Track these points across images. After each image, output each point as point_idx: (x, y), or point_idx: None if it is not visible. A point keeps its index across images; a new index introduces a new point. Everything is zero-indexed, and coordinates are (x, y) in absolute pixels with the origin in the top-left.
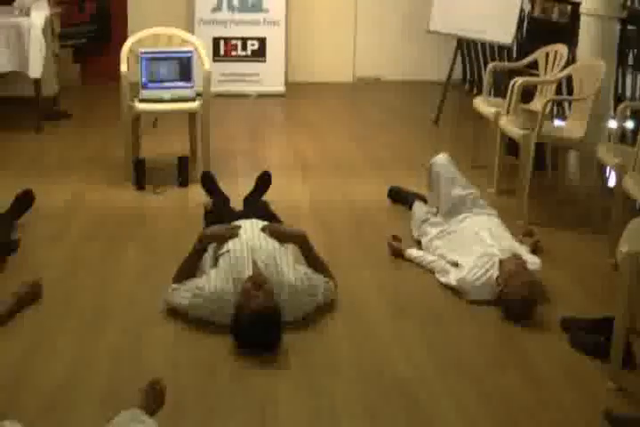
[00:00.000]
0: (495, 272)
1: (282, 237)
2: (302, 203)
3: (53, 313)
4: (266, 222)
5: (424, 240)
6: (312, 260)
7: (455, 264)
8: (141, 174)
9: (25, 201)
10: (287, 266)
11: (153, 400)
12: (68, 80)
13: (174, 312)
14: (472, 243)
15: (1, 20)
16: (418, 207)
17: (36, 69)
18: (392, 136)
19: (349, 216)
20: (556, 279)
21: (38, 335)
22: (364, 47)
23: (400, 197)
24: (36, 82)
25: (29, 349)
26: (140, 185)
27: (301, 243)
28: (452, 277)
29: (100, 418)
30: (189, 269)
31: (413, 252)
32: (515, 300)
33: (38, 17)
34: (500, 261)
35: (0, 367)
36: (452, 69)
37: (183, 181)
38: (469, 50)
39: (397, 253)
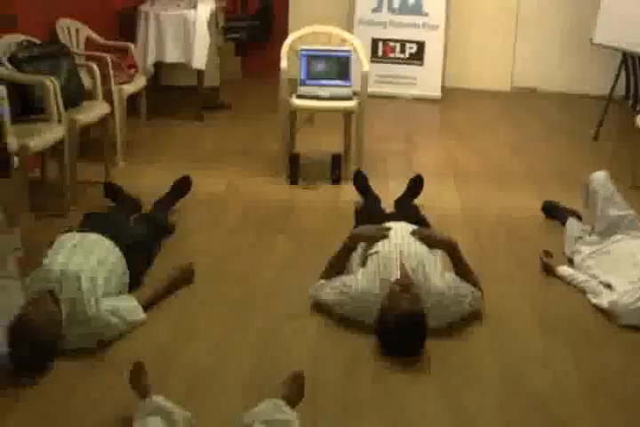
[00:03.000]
0: None
1: (432, 242)
2: (453, 210)
3: (202, 298)
4: (416, 226)
5: (577, 259)
6: (461, 268)
7: (608, 286)
8: (295, 169)
9: (183, 187)
10: (435, 272)
11: (295, 393)
12: (229, 73)
13: (319, 307)
14: (627, 265)
15: (169, 13)
16: (572, 224)
17: (199, 61)
18: (548, 148)
19: (500, 227)
20: None
21: (187, 319)
22: (523, 56)
23: (554, 213)
24: (199, 73)
25: (178, 331)
26: (293, 180)
27: (451, 250)
28: (604, 300)
29: (240, 405)
30: (338, 266)
31: (565, 269)
32: None
33: (204, 10)
34: None
35: (150, 346)
36: (615, 84)
37: (335, 179)
38: (635, 65)
39: (548, 270)
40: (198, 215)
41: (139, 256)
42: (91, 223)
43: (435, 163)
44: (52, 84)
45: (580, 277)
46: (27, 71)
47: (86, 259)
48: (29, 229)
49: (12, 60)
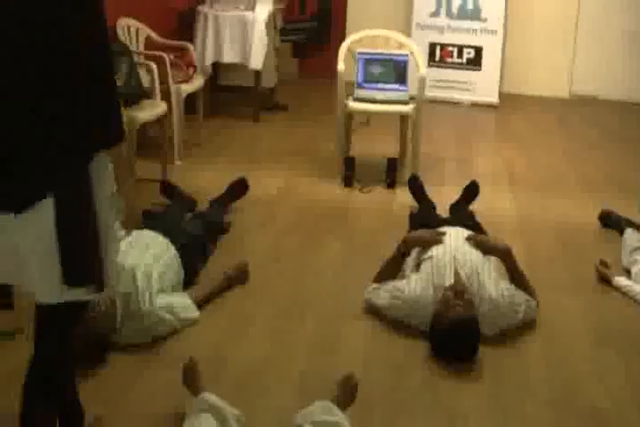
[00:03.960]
0: None
1: (487, 248)
2: (508, 216)
3: (255, 297)
4: (471, 232)
5: (634, 270)
6: (515, 276)
7: None
8: (350, 172)
9: (238, 189)
10: (489, 279)
11: (347, 395)
12: (286, 74)
13: (372, 310)
14: None
15: (228, 14)
16: (629, 235)
17: (257, 62)
18: (607, 157)
19: (556, 235)
20: None
21: (240, 318)
22: (582, 63)
23: (611, 222)
24: (257, 73)
25: (230, 329)
26: (347, 182)
27: (506, 257)
28: None
29: (291, 405)
30: (391, 270)
31: (622, 280)
32: None
33: (262, 12)
34: None
35: (203, 343)
36: None
37: (390, 183)
38: None
39: (605, 280)
40: (253, 215)
41: (193, 254)
42: (147, 221)
43: (490, 169)
44: None
45: (636, 288)
46: None
47: (142, 255)
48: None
49: None
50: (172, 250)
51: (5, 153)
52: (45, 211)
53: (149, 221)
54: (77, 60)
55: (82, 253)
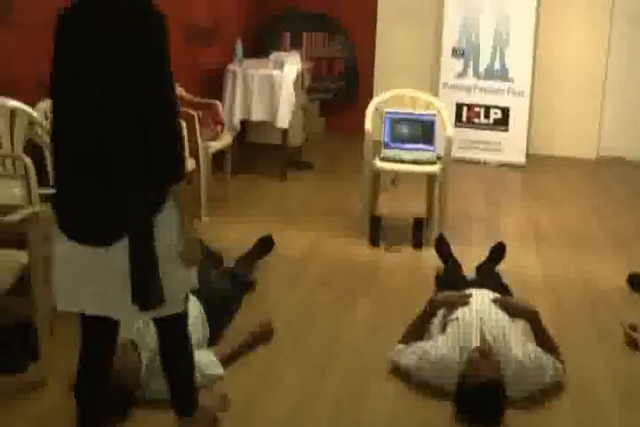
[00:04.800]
0: None
1: (514, 310)
2: (535, 276)
3: (283, 353)
4: (497, 294)
5: None
6: (542, 338)
7: None
8: (377, 231)
9: (265, 246)
10: (516, 341)
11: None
12: (313, 132)
13: (398, 371)
14: None
15: (257, 72)
16: None
17: (284, 120)
18: (636, 214)
19: (584, 295)
20: None
21: (266, 373)
22: (609, 123)
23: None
24: (284, 132)
25: (257, 385)
26: (374, 241)
27: (532, 319)
28: None
29: None
30: (417, 331)
31: None
32: None
33: (291, 71)
34: None
35: (231, 397)
36: None
37: (417, 243)
38: None
39: (633, 344)
40: (279, 273)
41: (219, 311)
42: None
43: (518, 228)
44: None
45: None
46: None
47: None
48: None
49: None
50: (198, 306)
51: (100, 197)
52: (123, 246)
53: None
54: (150, 111)
55: (144, 281)
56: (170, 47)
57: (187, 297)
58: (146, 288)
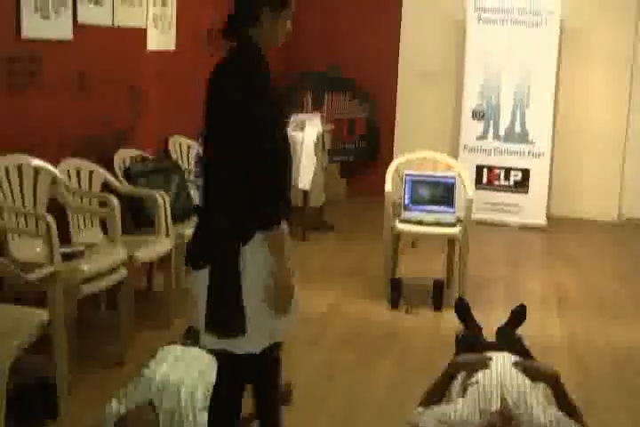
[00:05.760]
0: None
1: (535, 374)
2: (557, 341)
3: (304, 414)
4: (518, 357)
5: None
6: (564, 403)
7: None
8: (397, 293)
9: None
10: (537, 406)
11: None
12: (334, 194)
13: None
14: None
15: None
16: None
17: (305, 182)
18: None
19: (609, 359)
20: None
21: None
22: (631, 186)
23: None
24: (305, 193)
25: None
26: (394, 303)
27: (554, 383)
28: None
29: None
30: (437, 394)
31: None
32: None
33: (311, 133)
34: None
35: None
36: None
37: (437, 305)
38: None
39: None
40: (301, 333)
41: None
42: (193, 337)
43: (539, 291)
44: (162, 199)
45: None
46: (139, 185)
47: (187, 372)
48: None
49: (127, 173)
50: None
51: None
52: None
53: (196, 337)
54: (254, 162)
55: (222, 305)
56: (255, 106)
57: (272, 350)
58: (224, 313)
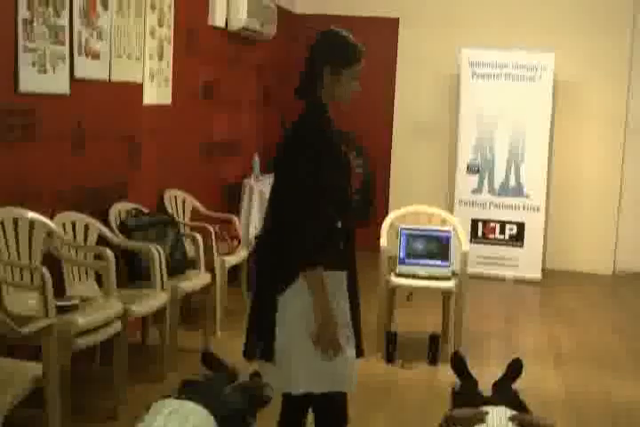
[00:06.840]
0: None
1: None
2: (554, 395)
3: None
4: (514, 412)
5: None
6: None
7: None
8: (392, 347)
9: None
10: None
11: None
12: None
13: None
14: None
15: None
16: None
17: None
18: None
19: (606, 413)
20: None
21: None
22: (626, 239)
23: None
24: None
25: None
26: (389, 357)
27: None
28: None
29: None
30: None
31: None
32: None
33: None
34: None
35: None
36: None
37: (433, 360)
38: None
39: None
40: None
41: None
42: (187, 391)
43: (535, 345)
44: (157, 253)
45: None
46: (135, 239)
47: (182, 426)
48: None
49: (122, 227)
50: (212, 422)
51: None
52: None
53: (190, 391)
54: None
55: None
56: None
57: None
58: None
